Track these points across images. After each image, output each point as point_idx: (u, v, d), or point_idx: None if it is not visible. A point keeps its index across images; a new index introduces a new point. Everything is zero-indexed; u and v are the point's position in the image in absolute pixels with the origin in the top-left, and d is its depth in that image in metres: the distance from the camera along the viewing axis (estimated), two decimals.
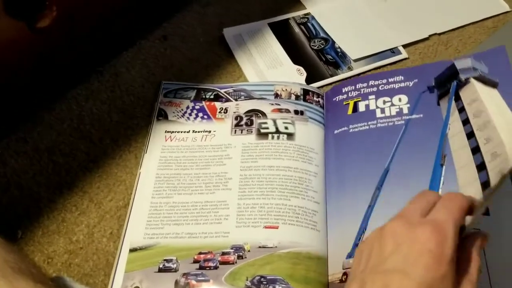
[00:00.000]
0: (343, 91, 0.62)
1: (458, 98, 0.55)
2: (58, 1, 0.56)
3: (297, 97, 0.61)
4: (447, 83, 0.57)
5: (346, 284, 0.38)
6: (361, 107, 0.60)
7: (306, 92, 0.62)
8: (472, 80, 0.55)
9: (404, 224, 0.35)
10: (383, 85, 0.61)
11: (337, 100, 0.62)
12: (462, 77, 0.56)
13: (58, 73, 0.62)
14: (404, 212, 0.37)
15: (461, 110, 0.54)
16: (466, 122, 0.53)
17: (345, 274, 0.47)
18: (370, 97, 0.60)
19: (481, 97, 0.52)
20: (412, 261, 0.33)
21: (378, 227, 0.37)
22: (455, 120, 0.54)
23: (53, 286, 0.37)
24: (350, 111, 0.60)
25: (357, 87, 0.62)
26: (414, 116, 0.57)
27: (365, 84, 0.62)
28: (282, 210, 0.51)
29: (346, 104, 0.61)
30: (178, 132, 0.59)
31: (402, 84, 0.60)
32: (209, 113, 0.61)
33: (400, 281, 0.32)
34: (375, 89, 0.61)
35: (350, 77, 0.65)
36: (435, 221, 0.34)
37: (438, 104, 0.57)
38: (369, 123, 0.58)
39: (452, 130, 0.53)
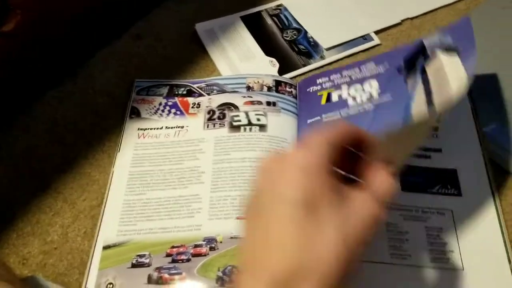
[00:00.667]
0: (317, 82, 0.62)
1: (424, 73, 0.55)
2: (26, 4, 0.56)
3: (269, 89, 0.61)
4: (415, 61, 0.57)
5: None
6: (334, 97, 0.60)
7: (278, 83, 0.62)
8: (437, 53, 0.55)
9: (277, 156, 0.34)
10: (355, 74, 0.61)
11: (310, 91, 0.62)
12: (429, 52, 0.56)
13: (30, 77, 0.63)
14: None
15: (425, 83, 0.54)
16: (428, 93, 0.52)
17: None
18: (343, 86, 0.60)
19: (444, 67, 0.52)
20: (283, 183, 0.32)
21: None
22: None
23: (19, 283, 0.37)
24: (323, 101, 0.60)
25: (330, 78, 0.62)
26: (383, 99, 0.56)
27: (338, 75, 0.62)
28: None
29: (320, 95, 0.61)
30: (151, 129, 0.59)
31: (374, 71, 0.60)
32: (181, 108, 0.61)
33: (275, 209, 0.31)
34: (347, 79, 0.61)
35: (322, 66, 0.65)
36: (302, 143, 0.34)
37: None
38: (341, 111, 0.58)
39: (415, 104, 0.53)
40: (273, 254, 0.30)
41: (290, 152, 0.34)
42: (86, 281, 0.48)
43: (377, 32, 0.68)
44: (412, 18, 0.70)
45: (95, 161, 0.57)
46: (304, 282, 0.29)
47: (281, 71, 0.64)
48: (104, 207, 0.53)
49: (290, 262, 0.30)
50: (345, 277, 0.30)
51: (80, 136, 0.59)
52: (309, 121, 0.59)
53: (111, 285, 0.47)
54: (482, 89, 0.60)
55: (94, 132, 0.60)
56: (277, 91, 0.61)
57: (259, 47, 0.67)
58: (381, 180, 0.34)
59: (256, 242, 0.32)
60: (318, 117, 0.59)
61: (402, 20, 0.70)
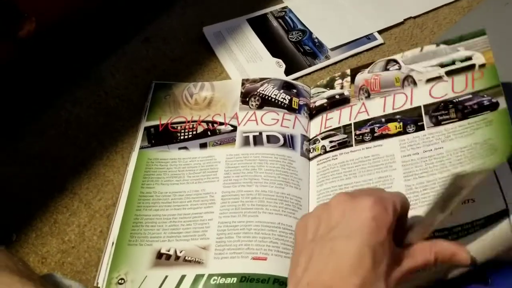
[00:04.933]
0: None
1: None
2: (38, 10, 0.58)
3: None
4: None
5: (293, 256, 0.41)
6: None
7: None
8: None
9: (349, 196, 0.39)
10: None
11: None
12: None
13: (43, 81, 0.65)
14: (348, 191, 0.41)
15: None
16: None
17: None
18: None
19: None
20: (356, 227, 0.36)
21: (322, 203, 0.41)
22: None
23: (39, 281, 0.39)
24: None
25: None
26: None
27: None
28: None
29: None
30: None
31: None
32: None
33: (345, 245, 0.35)
34: None
35: (327, 66, 0.67)
36: (377, 195, 0.38)
37: None
38: None
39: None
40: (331, 281, 0.34)
41: (366, 200, 0.37)
42: (98, 276, 0.50)
43: (380, 32, 0.70)
44: (414, 17, 0.71)
45: (109, 162, 0.59)
46: None
47: (287, 72, 0.66)
48: (118, 206, 0.54)
49: None
50: None
51: (93, 138, 0.61)
52: None
53: (122, 281, 0.49)
54: None
55: (107, 133, 0.61)
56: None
57: (265, 49, 0.69)
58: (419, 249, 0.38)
59: (314, 263, 0.36)
60: None
61: (405, 19, 0.71)
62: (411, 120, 0.54)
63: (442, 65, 0.56)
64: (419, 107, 0.55)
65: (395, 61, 0.60)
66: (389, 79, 0.58)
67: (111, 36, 0.71)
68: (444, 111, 0.53)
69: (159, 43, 0.71)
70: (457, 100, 0.53)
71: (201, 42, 0.71)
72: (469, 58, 0.55)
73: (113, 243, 0.52)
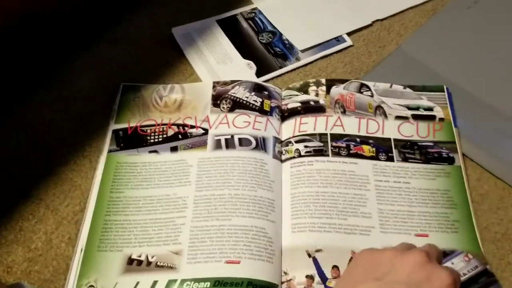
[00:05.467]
0: None
1: None
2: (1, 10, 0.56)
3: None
4: None
5: (345, 279, 0.43)
6: None
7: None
8: None
9: (428, 260, 0.41)
10: None
11: None
12: None
13: (7, 85, 0.62)
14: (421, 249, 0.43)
15: None
16: None
17: None
18: None
19: None
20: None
21: (396, 249, 0.43)
22: None
23: None
24: None
25: None
26: None
27: None
28: None
29: None
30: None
31: None
32: None
33: None
34: None
35: (298, 68, 0.67)
36: (456, 274, 0.41)
37: None
38: None
39: None
40: None
41: (445, 273, 0.40)
42: (67, 284, 0.48)
43: (349, 34, 0.70)
44: (382, 20, 0.72)
45: (77, 167, 0.57)
46: None
47: (258, 74, 0.66)
48: (87, 212, 0.53)
49: None
50: None
51: (60, 142, 0.59)
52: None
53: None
54: (454, 85, 0.63)
55: (74, 137, 0.60)
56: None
57: (236, 50, 0.69)
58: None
59: None
60: None
61: (373, 22, 0.72)
62: (383, 149, 0.58)
63: (408, 107, 0.61)
64: (390, 140, 0.59)
65: (367, 87, 0.63)
66: (363, 102, 0.62)
67: (78, 38, 0.69)
68: (411, 150, 0.58)
69: (127, 44, 0.70)
70: (421, 143, 0.58)
71: (170, 44, 0.70)
72: (431, 109, 0.61)
73: (81, 249, 0.51)
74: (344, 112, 0.61)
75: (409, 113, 0.61)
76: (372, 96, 0.62)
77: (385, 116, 0.61)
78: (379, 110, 0.61)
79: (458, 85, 0.63)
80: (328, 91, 0.63)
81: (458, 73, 0.65)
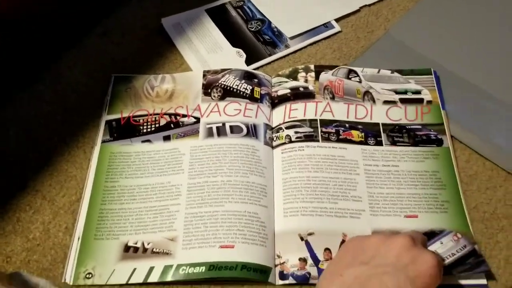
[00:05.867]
0: None
1: None
2: None
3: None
4: None
5: (333, 265, 0.45)
6: None
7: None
8: None
9: (412, 243, 0.43)
10: None
11: None
12: None
13: (0, 79, 0.63)
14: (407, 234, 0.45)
15: None
16: None
17: None
18: None
19: None
20: (415, 275, 0.41)
21: (382, 235, 0.45)
22: None
23: (6, 279, 0.38)
24: None
25: None
26: None
27: None
28: None
29: None
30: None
31: None
32: None
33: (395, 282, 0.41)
34: None
35: (287, 55, 0.68)
36: (436, 253, 0.45)
37: None
38: None
39: None
40: None
41: (429, 255, 0.43)
42: (65, 272, 0.50)
43: (337, 20, 0.71)
44: (369, 5, 0.73)
45: (71, 158, 0.58)
46: None
47: (248, 62, 0.67)
48: (83, 201, 0.54)
49: None
50: None
51: (54, 134, 0.60)
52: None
53: (90, 275, 0.49)
54: (443, 69, 0.64)
55: (68, 129, 0.61)
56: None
57: (225, 39, 0.69)
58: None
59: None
60: None
61: (361, 7, 0.73)
62: (371, 134, 0.59)
63: (396, 91, 0.62)
64: (378, 124, 0.60)
65: (356, 72, 0.64)
66: (351, 88, 0.63)
67: (68, 31, 0.70)
68: (399, 134, 0.59)
69: (117, 36, 0.71)
70: (409, 127, 0.59)
71: (160, 34, 0.71)
72: (419, 92, 0.62)
73: (79, 238, 0.52)
74: (333, 98, 0.62)
75: (397, 97, 0.62)
76: (360, 82, 0.63)
77: (374, 101, 0.62)
78: (367, 95, 0.62)
79: (446, 68, 0.64)
80: (317, 78, 0.64)
81: (446, 56, 0.66)
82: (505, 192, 0.56)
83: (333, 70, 0.64)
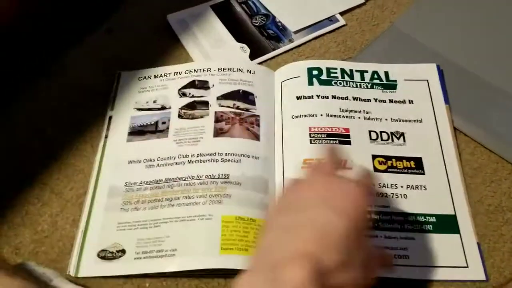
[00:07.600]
0: None
1: None
2: None
3: None
4: None
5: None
6: None
7: None
8: None
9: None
10: None
11: None
12: None
13: (6, 76, 0.64)
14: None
15: None
16: None
17: None
18: None
19: None
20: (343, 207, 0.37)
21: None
22: None
23: (12, 269, 0.40)
24: None
25: None
26: None
27: None
28: None
29: None
30: None
31: None
32: None
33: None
34: None
35: (291, 49, 0.68)
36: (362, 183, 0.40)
37: None
38: None
39: None
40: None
41: (354, 185, 0.39)
42: (70, 263, 0.51)
43: (342, 13, 0.71)
44: None
45: (79, 152, 0.59)
46: None
47: (252, 56, 0.67)
48: (90, 193, 0.55)
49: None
50: None
51: (60, 129, 0.61)
52: None
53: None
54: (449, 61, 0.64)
55: (74, 124, 0.62)
56: None
57: (230, 34, 0.70)
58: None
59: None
60: None
61: (366, 0, 0.73)
62: None
63: None
64: None
65: None
66: None
67: (73, 28, 0.71)
68: None
69: (123, 32, 0.71)
70: None
71: (166, 30, 0.71)
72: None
73: (82, 231, 0.53)
74: None
75: None
76: None
77: None
78: None
79: (452, 60, 0.64)
80: None
81: (452, 48, 0.65)
82: (510, 184, 0.55)
83: None
